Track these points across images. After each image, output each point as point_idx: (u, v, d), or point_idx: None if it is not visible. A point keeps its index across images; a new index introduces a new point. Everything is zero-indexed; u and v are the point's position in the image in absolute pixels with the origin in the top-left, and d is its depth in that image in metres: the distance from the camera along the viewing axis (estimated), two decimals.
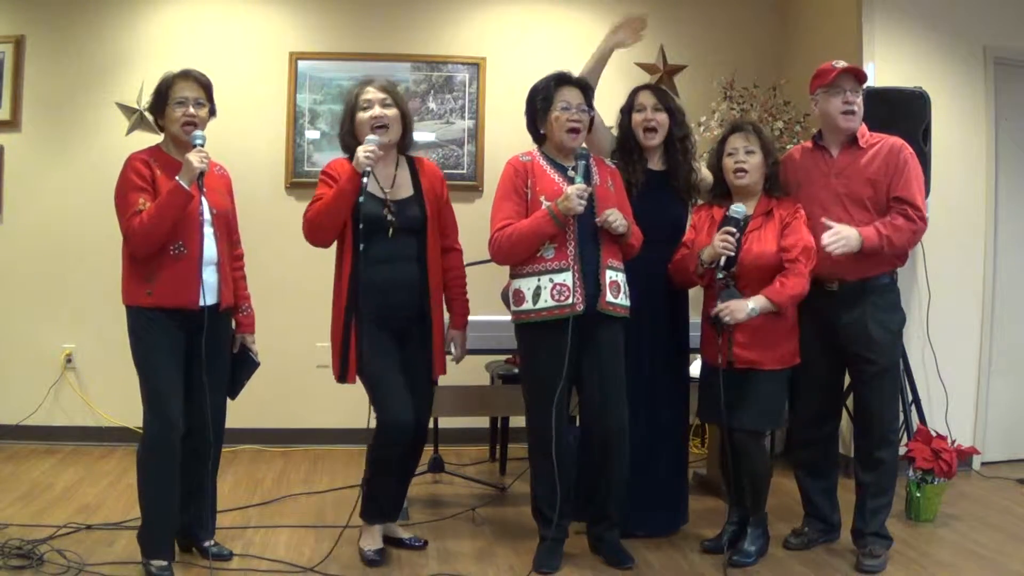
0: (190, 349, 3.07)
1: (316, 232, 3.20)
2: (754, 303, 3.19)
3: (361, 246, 3.14)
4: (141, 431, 3.07)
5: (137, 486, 3.08)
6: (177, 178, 2.97)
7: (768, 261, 3.26)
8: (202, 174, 3.00)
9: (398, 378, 3.21)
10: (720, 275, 3.25)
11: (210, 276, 3.08)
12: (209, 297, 3.06)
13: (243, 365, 3.32)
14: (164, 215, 2.95)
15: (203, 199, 3.07)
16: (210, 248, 3.09)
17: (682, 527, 3.68)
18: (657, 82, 5.29)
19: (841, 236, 3.21)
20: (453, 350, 3.46)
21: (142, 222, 2.95)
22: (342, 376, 3.24)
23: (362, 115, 3.23)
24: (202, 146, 3.03)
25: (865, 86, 3.39)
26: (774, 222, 3.31)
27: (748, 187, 3.35)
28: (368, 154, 3.10)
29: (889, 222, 3.26)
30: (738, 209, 3.25)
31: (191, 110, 3.07)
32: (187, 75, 3.11)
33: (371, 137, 3.16)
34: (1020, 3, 4.83)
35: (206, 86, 3.15)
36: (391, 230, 3.19)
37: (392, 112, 3.24)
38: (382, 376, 3.18)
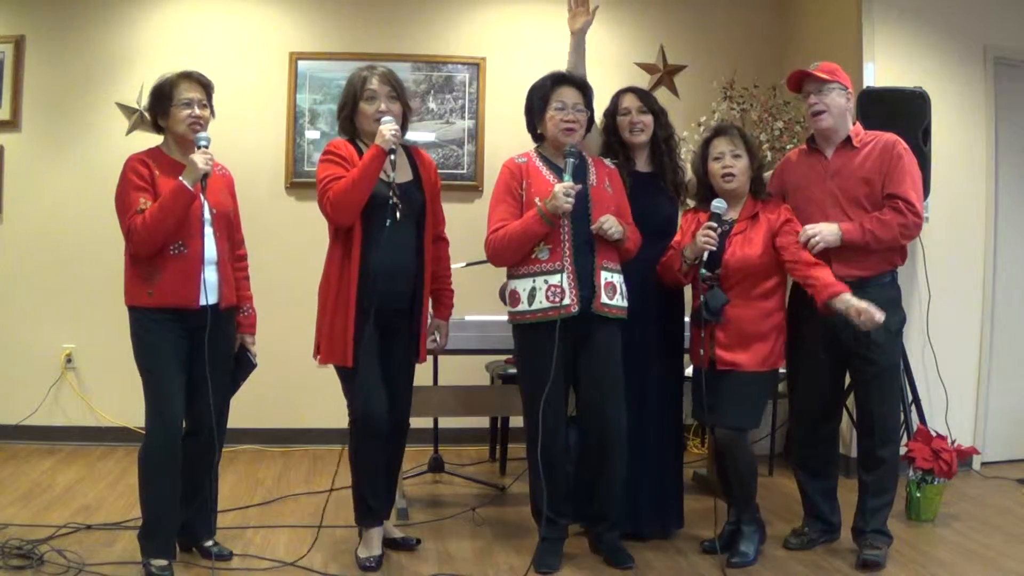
0: (192, 349, 3.08)
1: (343, 210, 3.11)
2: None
3: (389, 222, 3.12)
4: (143, 431, 3.07)
5: (138, 485, 3.09)
6: (181, 178, 2.97)
7: (753, 263, 3.26)
8: (206, 175, 3.00)
9: (376, 371, 3.19)
10: (703, 277, 3.26)
11: (210, 275, 3.08)
12: (210, 296, 3.06)
13: (240, 365, 3.33)
14: (167, 214, 2.95)
15: (204, 199, 3.07)
16: (210, 248, 3.09)
17: (678, 530, 3.66)
18: (657, 82, 5.31)
19: (816, 231, 3.23)
20: (438, 339, 3.45)
21: (144, 221, 2.96)
22: (345, 357, 3.15)
23: (366, 106, 3.21)
24: (207, 148, 3.03)
25: (865, 86, 3.39)
26: (760, 225, 3.31)
27: (736, 190, 3.35)
28: (394, 131, 3.11)
29: (876, 216, 3.27)
30: (720, 205, 3.27)
31: (197, 111, 3.08)
32: (189, 76, 3.11)
33: (387, 118, 3.15)
34: (1020, 3, 4.82)
35: (207, 87, 3.16)
36: (398, 213, 3.17)
37: (396, 107, 3.24)
38: (361, 370, 3.16)
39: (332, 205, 3.12)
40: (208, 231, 3.09)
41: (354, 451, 3.24)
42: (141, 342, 3.06)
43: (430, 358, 3.90)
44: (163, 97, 3.09)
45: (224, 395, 3.24)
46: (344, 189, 3.10)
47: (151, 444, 3.04)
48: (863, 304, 3.08)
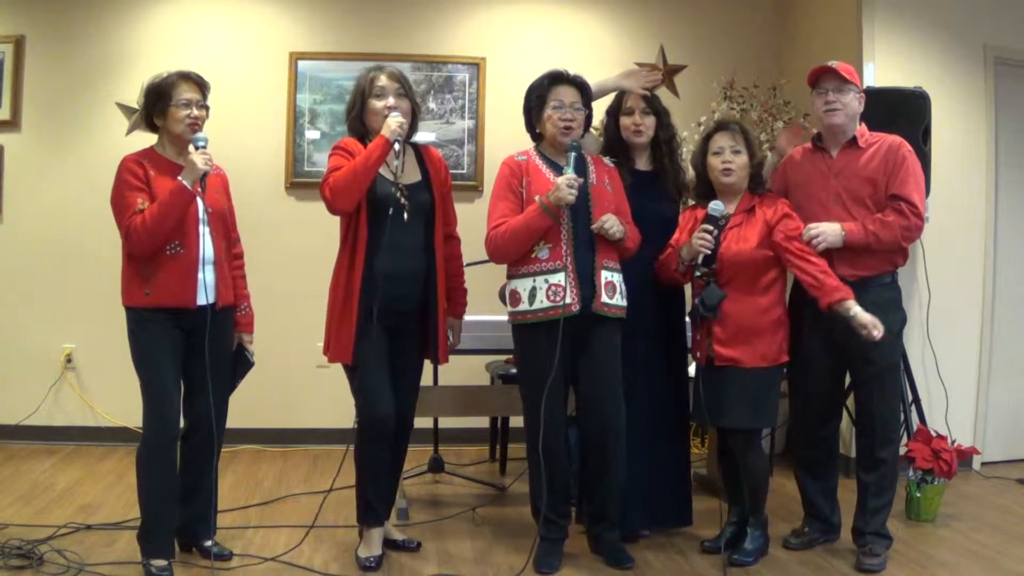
0: (189, 348, 3.08)
1: (342, 195, 3.11)
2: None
3: (389, 225, 3.13)
4: (141, 431, 3.07)
5: (137, 486, 3.09)
6: (180, 178, 2.98)
7: (747, 258, 3.26)
8: (205, 175, 3.01)
9: (384, 372, 3.20)
10: (699, 272, 3.25)
11: (208, 275, 3.09)
12: (207, 296, 3.07)
13: (238, 364, 3.33)
14: (167, 215, 2.96)
15: (201, 199, 3.07)
16: (207, 247, 3.10)
17: (687, 527, 3.67)
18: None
19: (819, 231, 3.24)
20: (451, 337, 3.47)
21: (144, 221, 2.96)
22: (351, 356, 3.17)
23: (375, 103, 3.22)
24: (205, 148, 3.04)
25: (865, 86, 3.40)
26: (755, 219, 3.31)
27: (734, 185, 3.36)
28: (401, 123, 3.13)
29: (879, 218, 3.27)
30: (716, 207, 3.27)
31: (195, 112, 3.08)
32: (188, 77, 3.12)
33: (395, 113, 3.16)
34: (1020, 3, 4.82)
35: (204, 88, 3.16)
36: (405, 214, 3.18)
37: (405, 104, 3.25)
38: (370, 371, 3.17)
39: (331, 189, 3.13)
40: (204, 230, 3.10)
41: (359, 451, 3.25)
42: (139, 342, 3.06)
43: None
44: (162, 97, 3.09)
45: (223, 394, 3.24)
46: (345, 175, 3.10)
47: (149, 444, 3.04)
48: (868, 318, 3.10)
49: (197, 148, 3.04)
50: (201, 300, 3.05)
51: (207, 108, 3.17)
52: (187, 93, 3.09)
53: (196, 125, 3.09)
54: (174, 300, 3.03)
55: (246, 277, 3.37)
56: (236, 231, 3.34)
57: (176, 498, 3.11)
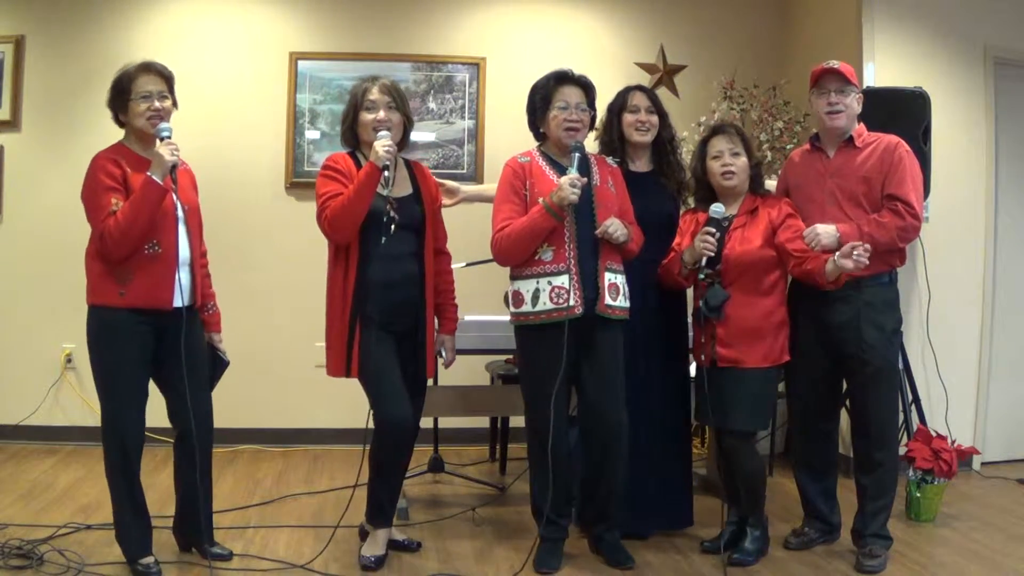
0: (159, 351, 3.04)
1: (341, 229, 3.13)
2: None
3: (383, 239, 3.13)
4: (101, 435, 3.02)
5: (109, 491, 3.06)
6: (148, 172, 2.91)
7: (752, 258, 3.26)
8: (174, 167, 2.94)
9: (397, 377, 3.20)
10: (702, 275, 3.25)
11: (184, 275, 3.04)
12: (184, 298, 3.03)
13: (213, 365, 3.30)
14: (140, 212, 2.89)
15: (175, 196, 3.01)
16: (184, 246, 3.04)
17: (688, 528, 3.67)
18: (657, 82, 5.32)
19: (814, 234, 3.24)
20: (444, 354, 3.46)
21: (117, 223, 2.89)
22: (346, 371, 3.19)
23: (366, 116, 3.23)
24: (169, 138, 2.97)
25: (865, 86, 3.39)
26: (759, 220, 3.32)
27: (735, 188, 3.36)
28: (388, 147, 3.11)
29: (875, 219, 3.27)
30: (718, 210, 3.27)
31: (156, 103, 3.00)
32: (149, 68, 3.03)
33: (383, 132, 3.16)
34: (1020, 3, 4.83)
35: (168, 78, 3.07)
36: (393, 227, 3.18)
37: (396, 117, 3.24)
38: (383, 375, 3.17)
39: (330, 224, 3.14)
40: (181, 229, 3.04)
41: (375, 454, 3.24)
42: (108, 343, 2.99)
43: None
44: (121, 91, 3.01)
45: (205, 395, 3.20)
46: (341, 207, 3.10)
47: (111, 455, 2.99)
48: (846, 252, 3.04)
49: (162, 139, 2.97)
50: (177, 302, 3.01)
51: (173, 99, 3.07)
52: (147, 85, 2.99)
53: (157, 117, 2.99)
54: (150, 301, 2.97)
55: (211, 276, 3.31)
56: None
57: (143, 496, 3.07)
